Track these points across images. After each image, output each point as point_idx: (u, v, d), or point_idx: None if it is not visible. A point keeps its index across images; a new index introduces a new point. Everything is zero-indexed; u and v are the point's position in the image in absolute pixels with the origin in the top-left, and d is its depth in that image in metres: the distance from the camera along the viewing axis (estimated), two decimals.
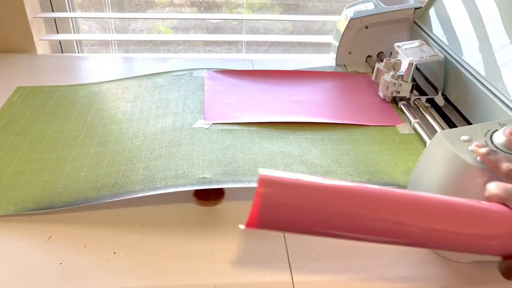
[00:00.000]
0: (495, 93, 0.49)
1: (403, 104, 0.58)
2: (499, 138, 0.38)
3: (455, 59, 0.57)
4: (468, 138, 0.39)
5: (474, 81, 0.53)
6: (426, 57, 0.57)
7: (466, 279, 0.39)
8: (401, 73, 0.59)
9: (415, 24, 0.68)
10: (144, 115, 0.56)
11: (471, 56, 0.55)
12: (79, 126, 0.55)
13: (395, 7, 0.68)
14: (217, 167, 0.45)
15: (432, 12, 0.66)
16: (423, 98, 0.59)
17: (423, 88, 0.60)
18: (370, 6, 0.70)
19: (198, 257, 0.40)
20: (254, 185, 0.43)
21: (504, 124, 0.39)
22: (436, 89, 0.59)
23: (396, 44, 0.62)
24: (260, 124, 0.53)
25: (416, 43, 0.61)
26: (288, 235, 0.42)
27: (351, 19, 0.67)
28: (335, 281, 0.38)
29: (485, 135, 0.39)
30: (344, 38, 0.69)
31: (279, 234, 0.42)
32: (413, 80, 0.58)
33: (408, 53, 0.59)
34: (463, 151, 0.37)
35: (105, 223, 0.43)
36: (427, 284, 0.39)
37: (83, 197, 0.44)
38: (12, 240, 0.40)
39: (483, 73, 0.52)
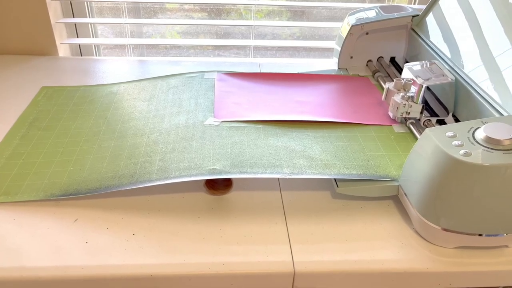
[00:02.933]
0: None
1: (411, 123, 0.58)
2: (480, 134, 0.42)
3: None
4: (452, 134, 0.43)
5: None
6: (436, 78, 0.57)
7: (449, 261, 0.43)
8: (411, 94, 0.58)
9: (412, 31, 0.72)
10: (159, 113, 0.61)
11: (465, 61, 0.59)
12: (99, 123, 0.60)
13: (395, 15, 0.73)
14: (226, 160, 0.50)
15: (428, 19, 0.70)
16: (433, 120, 0.59)
17: (434, 108, 0.60)
18: (371, 14, 0.74)
19: (208, 239, 0.44)
20: (260, 176, 0.48)
21: (486, 122, 0.44)
22: (447, 110, 0.59)
23: (406, 65, 0.62)
24: (266, 122, 0.58)
25: (426, 63, 0.61)
26: (290, 221, 0.47)
27: (352, 26, 0.72)
28: (331, 262, 0.43)
29: (468, 131, 0.43)
30: (346, 43, 0.73)
31: (282, 220, 0.47)
32: (424, 101, 0.58)
33: (418, 74, 0.59)
34: (447, 146, 0.41)
35: (125, 209, 0.48)
36: (415, 265, 0.43)
37: (105, 185, 0.48)
38: (43, 222, 0.45)
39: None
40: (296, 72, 0.74)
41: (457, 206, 0.41)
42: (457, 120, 0.59)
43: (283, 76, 0.71)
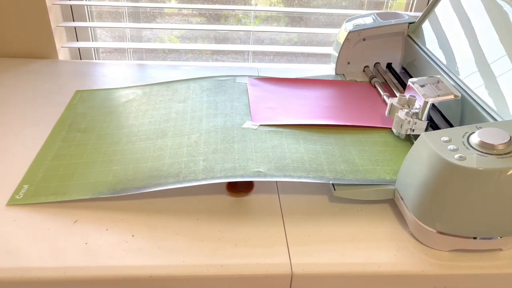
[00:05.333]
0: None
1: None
2: (475, 139, 0.43)
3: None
4: (448, 139, 0.44)
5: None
6: (442, 95, 0.56)
7: (444, 264, 0.44)
8: (416, 111, 0.56)
9: (409, 38, 0.73)
10: (197, 114, 0.62)
11: (460, 67, 0.60)
12: (137, 123, 0.61)
13: (391, 22, 0.74)
14: (269, 163, 0.50)
15: (425, 26, 0.71)
16: None
17: (440, 125, 0.59)
18: (368, 20, 0.75)
19: (207, 240, 0.45)
20: (304, 180, 0.48)
21: (480, 127, 0.44)
22: (452, 127, 0.56)
23: (410, 80, 0.60)
24: (301, 127, 0.59)
25: (431, 79, 0.59)
26: (288, 224, 0.47)
27: (350, 32, 0.73)
28: (328, 264, 0.43)
29: (463, 136, 0.44)
30: (343, 49, 0.74)
31: (280, 222, 0.47)
32: (429, 118, 0.56)
33: (423, 90, 0.57)
34: (442, 150, 0.42)
35: (124, 211, 0.48)
36: (410, 268, 0.43)
37: (152, 183, 0.49)
38: (43, 223, 0.46)
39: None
40: (294, 77, 0.75)
41: (452, 210, 0.42)
42: None
43: (311, 82, 0.72)
